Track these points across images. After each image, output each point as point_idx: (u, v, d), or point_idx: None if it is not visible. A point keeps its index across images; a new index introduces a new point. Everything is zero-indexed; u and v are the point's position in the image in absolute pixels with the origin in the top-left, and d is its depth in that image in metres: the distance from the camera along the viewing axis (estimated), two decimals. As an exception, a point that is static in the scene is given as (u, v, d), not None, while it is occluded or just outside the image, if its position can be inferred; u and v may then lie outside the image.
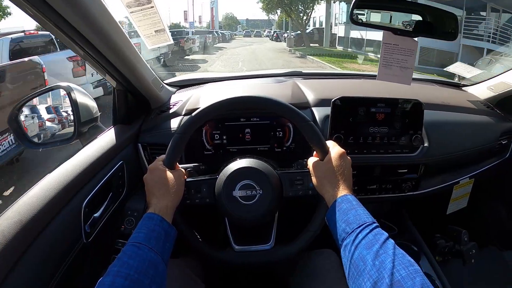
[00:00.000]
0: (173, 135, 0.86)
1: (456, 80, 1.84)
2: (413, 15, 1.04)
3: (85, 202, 0.89)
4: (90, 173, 0.94)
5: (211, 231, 0.97)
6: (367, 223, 0.70)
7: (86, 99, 1.10)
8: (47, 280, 0.75)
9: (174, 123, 1.18)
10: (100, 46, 0.88)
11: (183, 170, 0.89)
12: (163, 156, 0.88)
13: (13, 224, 0.69)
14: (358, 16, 1.02)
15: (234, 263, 0.91)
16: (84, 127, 1.08)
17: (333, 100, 1.11)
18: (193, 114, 0.87)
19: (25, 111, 1.12)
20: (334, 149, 0.85)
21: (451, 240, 1.45)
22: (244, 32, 61.56)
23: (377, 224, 0.71)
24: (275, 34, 37.22)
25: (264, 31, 62.14)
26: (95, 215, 0.93)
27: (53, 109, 1.14)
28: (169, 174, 0.84)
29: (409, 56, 1.03)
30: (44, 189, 0.80)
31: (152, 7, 0.97)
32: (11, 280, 0.65)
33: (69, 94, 1.06)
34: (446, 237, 1.45)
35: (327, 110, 1.14)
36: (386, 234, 0.68)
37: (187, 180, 0.88)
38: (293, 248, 0.88)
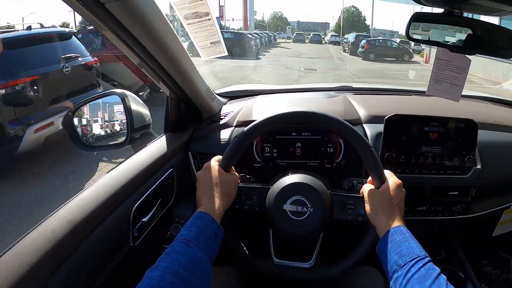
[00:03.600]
0: (223, 146, 0.87)
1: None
2: (464, 33, 1.02)
3: (135, 206, 0.91)
4: (141, 178, 0.96)
5: (252, 239, 0.97)
6: (420, 257, 0.69)
7: (139, 106, 1.13)
8: (92, 280, 0.77)
9: (225, 134, 1.19)
10: (158, 55, 0.91)
11: (237, 174, 0.89)
12: (219, 157, 0.88)
13: (64, 223, 0.72)
14: (414, 33, 1.01)
15: (271, 274, 0.90)
16: (136, 133, 1.11)
17: (386, 117, 1.09)
18: (256, 121, 0.88)
19: (79, 115, 1.16)
20: (391, 179, 0.84)
21: (499, 268, 1.38)
22: (294, 34, 38.09)
23: (429, 258, 0.70)
24: (363, 44, 19.21)
25: (325, 34, 42.28)
26: (143, 219, 0.95)
27: (104, 115, 1.18)
28: (224, 176, 0.84)
29: (460, 73, 1.00)
30: (96, 192, 0.83)
31: (209, 19, 0.99)
32: (58, 277, 0.67)
33: (123, 100, 1.10)
34: (494, 264, 1.39)
35: (379, 127, 1.12)
36: (438, 270, 0.67)
37: (239, 185, 0.89)
38: (333, 271, 0.87)
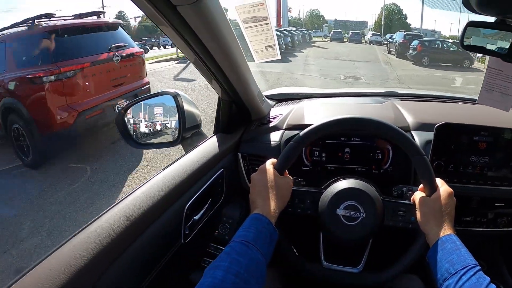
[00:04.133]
0: (273, 148, 0.88)
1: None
2: (505, 41, 0.97)
3: (187, 204, 0.93)
4: (194, 177, 0.98)
5: (301, 242, 0.98)
6: (471, 266, 0.69)
7: (190, 106, 1.15)
8: (144, 274, 0.79)
9: (275, 136, 1.20)
10: (219, 56, 0.93)
11: (291, 178, 0.90)
12: (273, 160, 0.89)
13: (121, 218, 0.74)
14: (469, 42, 0.97)
15: (319, 277, 0.91)
16: (187, 133, 1.13)
17: (437, 125, 1.07)
18: (312, 126, 0.88)
19: (132, 113, 1.20)
20: (443, 187, 0.84)
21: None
22: (331, 33, 33.92)
23: (480, 267, 0.69)
24: (415, 45, 15.45)
25: (363, 33, 34.77)
26: (194, 218, 0.97)
27: (156, 115, 1.21)
28: (280, 179, 0.85)
29: (511, 83, 0.98)
30: (152, 188, 0.85)
31: (267, 23, 0.99)
32: (113, 270, 0.69)
33: (176, 100, 1.12)
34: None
35: (428, 135, 1.11)
36: (488, 279, 0.67)
37: (293, 188, 0.89)
38: (382, 276, 0.88)
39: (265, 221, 0.77)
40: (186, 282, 1.02)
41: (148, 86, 5.27)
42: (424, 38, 17.87)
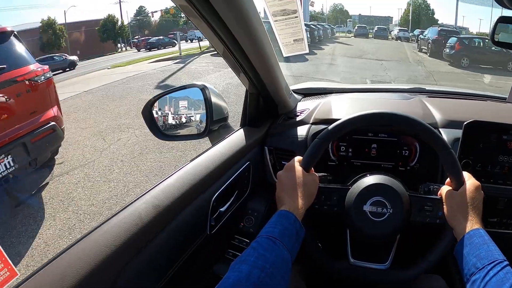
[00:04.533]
0: (300, 142, 0.88)
1: None
2: None
3: (214, 196, 0.94)
4: (221, 170, 0.99)
5: (328, 239, 0.98)
6: (499, 261, 0.68)
7: (218, 99, 1.17)
8: (170, 263, 0.81)
9: (302, 130, 1.19)
10: (248, 48, 0.93)
11: (317, 175, 0.90)
12: (299, 158, 0.89)
13: (150, 207, 0.75)
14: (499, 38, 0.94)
15: (347, 275, 0.91)
16: (214, 125, 1.15)
17: (465, 123, 1.05)
18: (338, 122, 0.88)
19: (159, 105, 1.22)
20: (470, 180, 0.83)
21: None
22: (355, 28, 31.34)
23: (507, 262, 0.68)
24: (452, 43, 13.64)
25: (389, 29, 31.53)
26: (220, 209, 0.99)
27: (184, 107, 1.23)
28: (306, 176, 0.85)
29: None
30: (179, 180, 0.86)
31: (296, 17, 0.99)
32: (141, 258, 0.71)
33: (203, 92, 1.14)
34: None
35: (456, 133, 1.09)
36: None
37: (319, 185, 0.89)
38: (410, 273, 0.86)
39: (292, 218, 0.77)
40: (209, 273, 1.04)
41: (51, 124, 3.49)
42: (463, 35, 15.96)
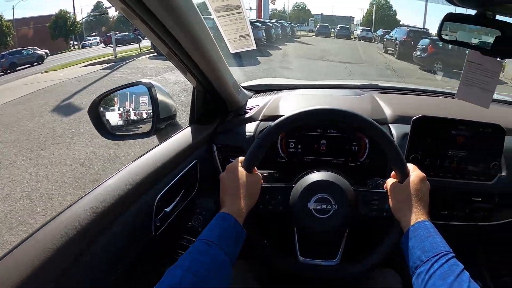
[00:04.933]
0: (248, 139, 0.87)
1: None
2: (490, 36, 0.98)
3: (158, 196, 0.92)
4: (166, 168, 0.97)
5: (278, 239, 0.97)
6: (444, 253, 0.69)
7: (165, 97, 1.14)
8: (114, 266, 0.79)
9: (250, 127, 1.19)
10: (188, 46, 0.92)
11: (260, 174, 0.89)
12: (242, 158, 0.88)
13: (89, 210, 0.73)
14: (446, 35, 0.98)
15: (297, 273, 0.91)
16: (161, 124, 1.12)
17: (413, 118, 1.08)
18: (278, 120, 0.88)
19: (105, 104, 1.18)
20: (415, 172, 0.83)
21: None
22: (317, 27, 30.08)
23: (453, 254, 0.69)
24: (424, 45, 12.16)
25: (352, 29, 31.28)
26: (166, 209, 0.96)
27: (130, 105, 1.20)
28: (247, 177, 0.84)
29: (491, 78, 0.98)
30: (122, 180, 0.84)
31: (240, 12, 0.98)
32: (80, 263, 0.68)
33: (149, 90, 1.11)
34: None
35: (406, 128, 1.11)
36: (461, 266, 0.67)
37: (263, 185, 0.89)
38: (359, 268, 0.87)
39: (231, 220, 0.76)
40: (160, 274, 1.01)
41: None
42: (435, 37, 12.12)
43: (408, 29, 15.89)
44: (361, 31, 27.60)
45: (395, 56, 14.73)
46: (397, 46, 14.93)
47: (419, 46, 12.54)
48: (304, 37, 25.65)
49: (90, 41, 27.76)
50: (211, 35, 0.98)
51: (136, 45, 17.74)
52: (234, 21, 1.00)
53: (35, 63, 18.00)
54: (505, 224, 1.17)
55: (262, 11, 29.30)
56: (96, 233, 0.73)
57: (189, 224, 1.09)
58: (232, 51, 1.05)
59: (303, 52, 15.30)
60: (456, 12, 1.01)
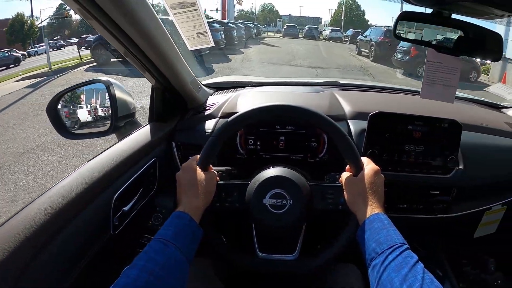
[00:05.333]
0: (207, 137, 0.88)
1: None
2: (454, 33, 1.01)
3: (116, 195, 0.91)
4: (123, 167, 0.96)
5: (236, 236, 0.98)
6: (398, 245, 0.70)
7: (124, 94, 1.13)
8: (71, 266, 0.78)
9: (210, 124, 1.19)
10: (143, 44, 0.91)
11: (215, 172, 0.90)
12: (197, 156, 0.88)
13: (44, 210, 0.72)
14: (401, 32, 1.00)
15: (256, 269, 0.91)
16: (120, 122, 1.11)
17: (370, 114, 1.10)
18: (231, 118, 0.88)
19: (64, 102, 1.15)
20: (369, 166, 0.84)
21: (478, 268, 1.40)
22: (284, 27, 28.79)
23: (407, 246, 0.70)
24: (405, 48, 10.44)
25: (320, 29, 30.80)
26: (124, 208, 0.95)
27: (89, 103, 1.18)
28: (202, 175, 0.84)
29: (452, 74, 1.01)
30: (77, 180, 0.83)
31: (196, 9, 0.98)
32: (36, 264, 0.67)
33: (108, 88, 1.10)
34: (473, 264, 1.41)
35: (364, 124, 1.13)
36: (416, 257, 0.68)
37: (218, 183, 0.89)
38: (317, 261, 0.88)
39: (186, 218, 0.77)
40: (119, 274, 1.00)
41: None
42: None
43: (385, 29, 14.24)
44: (330, 32, 26.84)
45: (371, 59, 13.46)
46: (372, 47, 13.66)
47: (400, 48, 11.09)
48: (271, 39, 24.49)
49: (36, 49, 22.62)
50: (167, 33, 0.98)
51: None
52: (190, 18, 0.99)
53: (12, 65, 17.25)
54: (463, 216, 1.21)
55: (227, 11, 28.23)
56: (52, 233, 0.72)
57: (149, 223, 1.09)
58: (190, 49, 1.04)
59: (268, 56, 13.33)
60: (412, 11, 1.05)
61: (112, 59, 10.37)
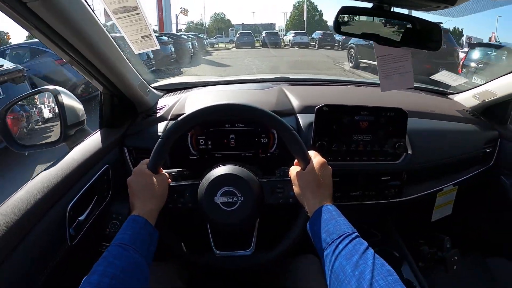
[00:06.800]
0: (158, 139, 0.88)
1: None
2: (396, 26, 1.05)
3: (70, 205, 0.90)
4: (76, 176, 0.95)
5: (193, 236, 0.98)
6: (347, 233, 0.71)
7: (73, 102, 1.10)
8: (32, 281, 0.77)
9: (160, 127, 1.19)
10: (85, 51, 0.91)
11: (166, 174, 0.90)
12: (147, 160, 0.89)
13: None
14: (342, 26, 1.03)
15: (214, 267, 0.92)
16: (70, 130, 1.08)
17: (316, 107, 1.12)
18: (177, 120, 0.88)
19: (12, 114, 1.12)
20: (316, 158, 0.86)
21: (435, 247, 1.47)
22: (237, 36, 23.90)
23: (357, 234, 0.72)
24: None
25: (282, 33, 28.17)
26: (79, 218, 0.94)
27: (38, 113, 1.15)
28: (153, 178, 0.85)
29: (404, 61, 1.05)
30: (29, 192, 0.81)
31: (138, 13, 0.98)
32: None
33: (55, 97, 1.07)
34: (430, 243, 1.48)
35: (312, 117, 1.15)
36: (365, 244, 0.69)
37: (170, 184, 0.90)
38: (273, 254, 0.90)
39: (142, 221, 0.77)
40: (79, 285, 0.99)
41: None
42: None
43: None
44: (293, 36, 22.22)
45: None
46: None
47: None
48: (220, 52, 20.32)
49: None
50: (110, 38, 0.97)
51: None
52: (133, 22, 0.99)
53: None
54: (416, 199, 1.27)
55: (164, 23, 25.10)
56: (9, 250, 0.71)
57: (107, 231, 1.07)
58: (136, 52, 1.04)
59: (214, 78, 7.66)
60: (351, 5, 1.08)
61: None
